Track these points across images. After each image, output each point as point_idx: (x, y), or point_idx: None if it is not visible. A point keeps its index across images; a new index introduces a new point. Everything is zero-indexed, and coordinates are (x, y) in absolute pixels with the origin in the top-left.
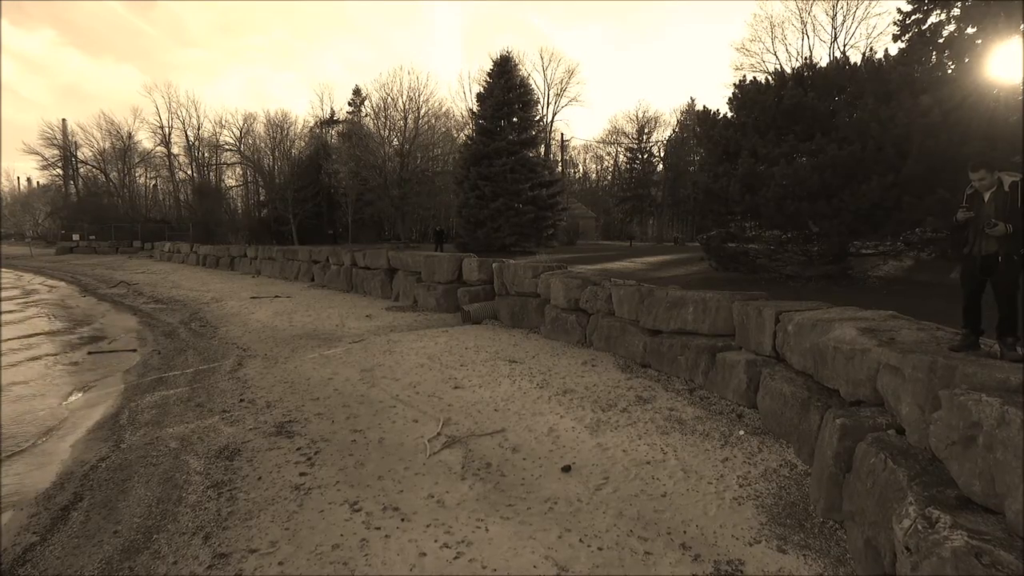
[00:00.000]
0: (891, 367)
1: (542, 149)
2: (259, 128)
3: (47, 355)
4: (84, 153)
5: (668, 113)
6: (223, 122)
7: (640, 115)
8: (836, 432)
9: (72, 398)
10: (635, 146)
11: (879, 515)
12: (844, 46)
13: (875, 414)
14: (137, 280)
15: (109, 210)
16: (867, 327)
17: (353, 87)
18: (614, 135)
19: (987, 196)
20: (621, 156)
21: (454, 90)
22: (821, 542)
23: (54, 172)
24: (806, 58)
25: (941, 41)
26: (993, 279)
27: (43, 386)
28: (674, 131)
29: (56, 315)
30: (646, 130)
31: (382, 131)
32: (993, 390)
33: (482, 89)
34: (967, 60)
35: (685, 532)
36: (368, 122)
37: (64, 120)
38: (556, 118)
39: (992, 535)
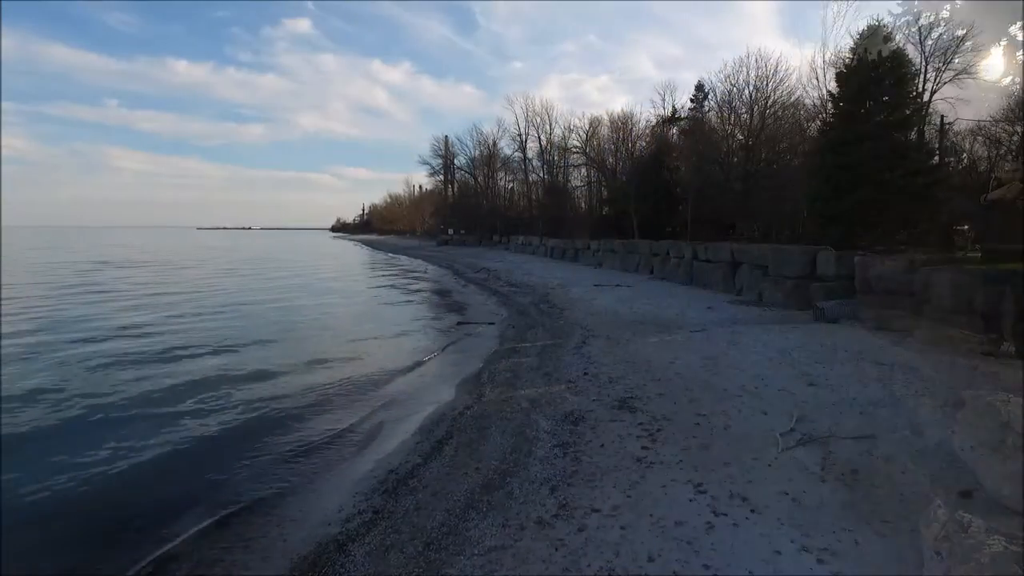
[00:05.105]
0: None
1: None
2: (603, 131)
3: (427, 320)
4: (459, 161)
5: None
6: (571, 127)
7: None
8: None
9: (444, 356)
10: None
11: None
12: None
13: None
14: (495, 267)
15: (475, 209)
16: None
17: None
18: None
19: None
20: None
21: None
22: None
23: (438, 179)
24: None
25: None
26: None
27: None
28: None
29: (433, 291)
30: None
31: (725, 125)
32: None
33: (844, 67)
34: None
35: None
36: (712, 117)
37: (446, 136)
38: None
39: None
